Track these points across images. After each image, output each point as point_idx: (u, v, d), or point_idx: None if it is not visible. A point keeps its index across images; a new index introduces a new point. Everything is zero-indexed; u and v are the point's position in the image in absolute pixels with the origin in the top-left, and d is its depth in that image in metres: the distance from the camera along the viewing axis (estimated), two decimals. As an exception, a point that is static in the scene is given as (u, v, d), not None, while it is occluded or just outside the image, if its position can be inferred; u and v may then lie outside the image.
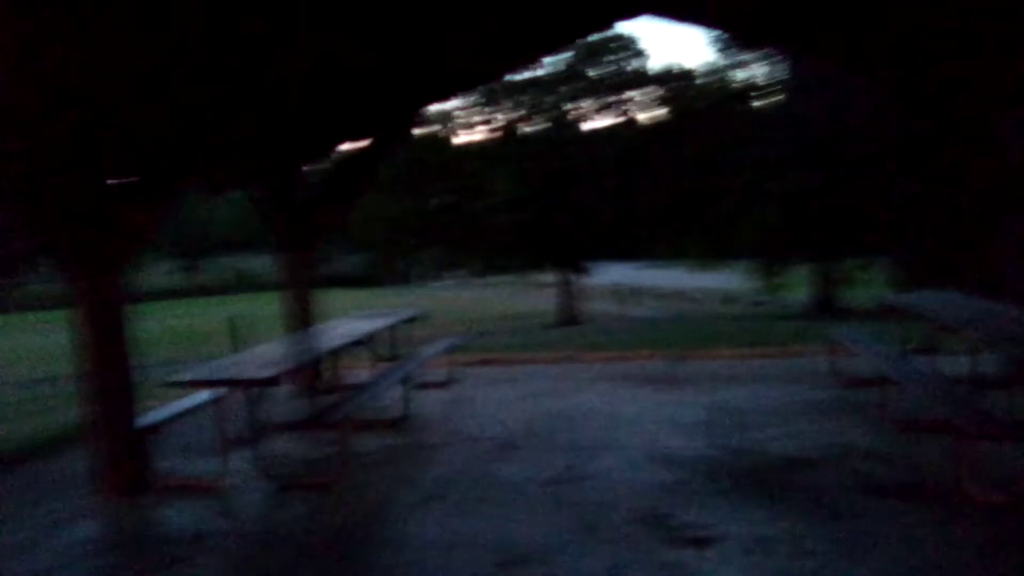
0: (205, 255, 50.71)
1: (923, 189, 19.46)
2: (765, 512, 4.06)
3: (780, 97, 23.36)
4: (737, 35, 18.44)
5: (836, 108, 19.23)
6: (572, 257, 25.09)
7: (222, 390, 5.06)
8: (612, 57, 24.36)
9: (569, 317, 24.10)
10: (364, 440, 5.71)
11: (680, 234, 25.45)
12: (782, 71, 22.49)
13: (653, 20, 7.05)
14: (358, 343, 6.18)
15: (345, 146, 8.14)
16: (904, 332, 6.65)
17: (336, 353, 6.00)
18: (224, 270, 48.38)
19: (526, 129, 25.21)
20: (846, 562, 3.46)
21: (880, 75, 6.85)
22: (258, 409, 4.86)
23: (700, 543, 3.73)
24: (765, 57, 22.50)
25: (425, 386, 7.16)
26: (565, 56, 23.66)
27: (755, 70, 23.83)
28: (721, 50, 23.92)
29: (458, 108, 24.93)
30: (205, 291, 42.45)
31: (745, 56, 23.17)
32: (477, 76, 9.09)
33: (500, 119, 25.16)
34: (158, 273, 45.62)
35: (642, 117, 25.47)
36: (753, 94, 24.24)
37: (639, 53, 24.60)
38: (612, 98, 24.91)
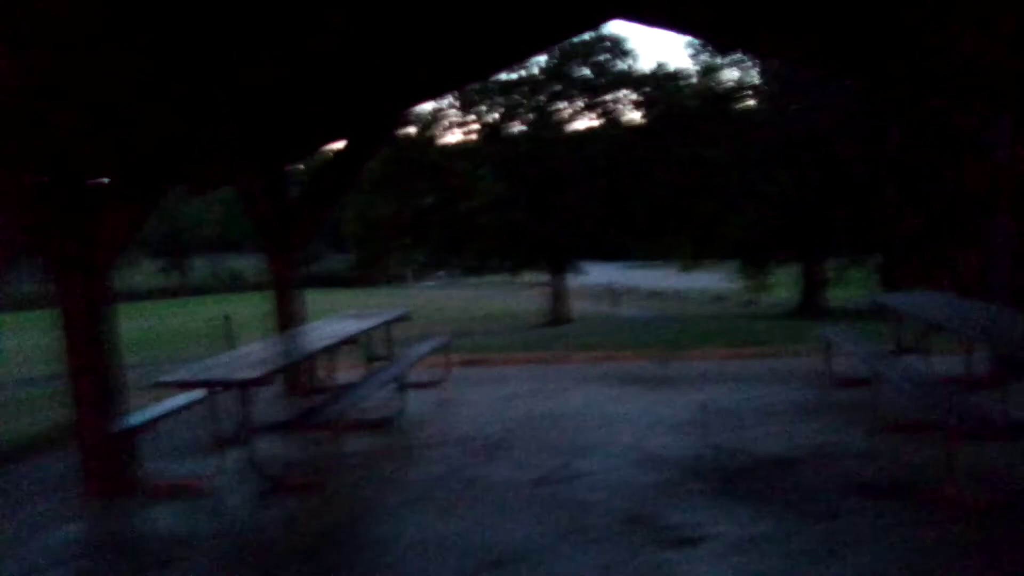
0: (191, 255, 50.42)
1: (908, 190, 19.61)
2: (752, 512, 4.07)
3: (767, 98, 23.49)
4: (709, 40, 18.51)
5: (820, 109, 19.36)
6: (560, 257, 25.11)
7: (209, 391, 5.03)
8: (598, 58, 24.40)
9: (557, 317, 24.11)
10: (352, 441, 5.69)
11: (667, 234, 25.53)
12: (768, 72, 22.60)
13: (625, 23, 7.08)
14: (346, 343, 6.16)
15: (330, 145, 8.12)
16: (891, 332, 6.68)
17: (324, 353, 5.98)
18: (210, 270, 48.12)
19: (512, 129, 25.21)
20: (833, 561, 3.47)
21: (857, 78, 6.89)
22: (245, 410, 4.83)
23: (688, 543, 3.73)
24: (751, 58, 22.60)
25: (413, 386, 7.13)
26: (551, 56, 23.68)
27: (742, 71, 23.94)
28: (694, 55, 24.08)
29: (444, 108, 24.90)
30: (191, 291, 42.20)
31: (733, 57, 23.26)
32: (462, 76, 9.09)
33: (486, 119, 25.15)
34: (144, 273, 45.32)
35: (628, 118, 25.53)
36: (740, 95, 24.35)
37: (627, 53, 24.64)
38: (598, 99, 24.95)
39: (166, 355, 12.78)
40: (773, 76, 22.21)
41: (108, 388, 4.85)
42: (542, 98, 24.58)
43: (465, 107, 24.81)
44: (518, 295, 35.21)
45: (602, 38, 24.00)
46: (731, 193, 22.94)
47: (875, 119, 17.53)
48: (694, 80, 24.49)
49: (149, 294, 38.69)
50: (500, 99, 24.49)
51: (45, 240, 4.75)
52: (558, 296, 25.02)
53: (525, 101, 24.61)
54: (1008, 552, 3.51)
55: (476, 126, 25.41)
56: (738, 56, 22.90)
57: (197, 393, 5.33)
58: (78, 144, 4.68)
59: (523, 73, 23.87)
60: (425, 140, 25.18)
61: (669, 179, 23.34)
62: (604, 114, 25.30)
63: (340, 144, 7.68)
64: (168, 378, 4.92)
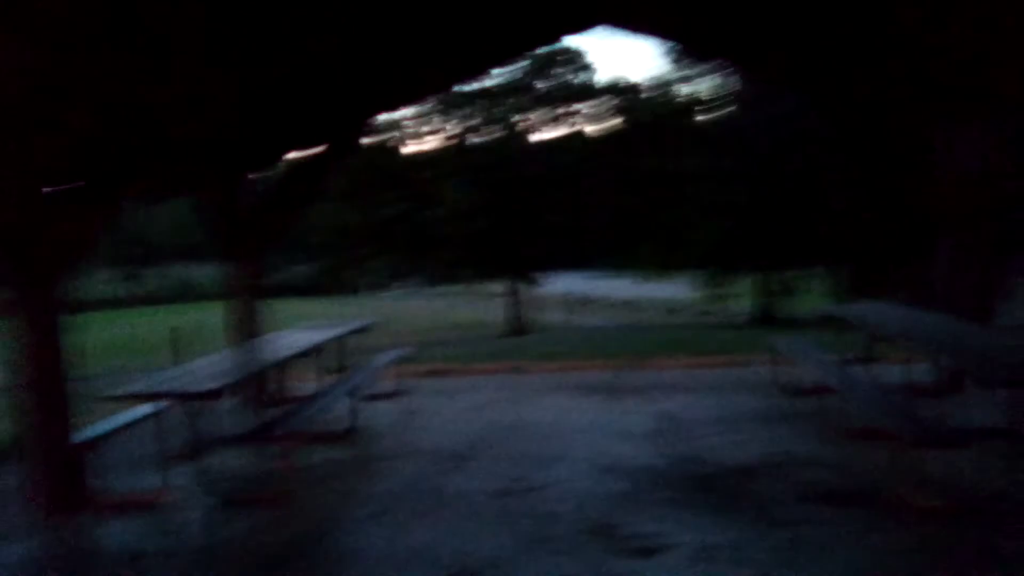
0: (148, 263, 49.46)
1: (861, 204, 20.05)
2: (711, 520, 4.12)
3: (727, 110, 23.86)
4: (689, 48, 18.79)
5: (781, 122, 19.72)
6: (522, 267, 25.18)
7: (164, 403, 4.95)
8: (561, 70, 24.61)
9: (519, 327, 24.15)
10: (311, 453, 5.63)
11: (628, 244, 25.77)
12: (730, 85, 22.97)
13: (608, 32, 7.19)
14: (306, 355, 6.10)
15: (294, 154, 8.04)
16: (843, 342, 6.82)
17: (283, 365, 5.92)
18: (168, 279, 47.23)
19: (476, 139, 25.27)
20: (789, 568, 3.53)
21: (820, 92, 7.05)
22: (201, 423, 4.76)
23: (648, 552, 3.77)
24: (713, 71, 22.95)
25: (374, 398, 7.09)
26: (515, 68, 23.80)
27: (703, 83, 24.31)
28: (674, 61, 24.35)
29: (409, 117, 24.87)
30: (148, 300, 41.37)
31: (693, 70, 23.61)
32: (427, 86, 9.09)
33: (451, 129, 25.17)
34: (99, 282, 44.32)
35: (590, 129, 25.78)
36: (700, 107, 24.72)
37: (586, 67, 24.91)
38: (561, 110, 25.15)
39: (121, 366, 12.52)
40: (738, 89, 22.58)
41: (61, 400, 4.74)
42: (506, 109, 24.70)
43: (431, 116, 24.83)
44: (482, 305, 35.19)
45: (564, 50, 24.22)
46: (693, 204, 23.25)
47: (833, 133, 17.91)
48: (658, 92, 24.82)
49: (102, 304, 37.82)
50: (466, 109, 24.55)
51: (2, 248, 4.64)
52: (521, 306, 25.07)
53: (490, 111, 24.70)
54: (963, 557, 3.61)
55: (442, 136, 25.43)
56: (705, 68, 23.24)
57: (151, 406, 5.23)
58: (35, 151, 4.58)
59: (489, 83, 23.96)
60: (391, 149, 25.12)
61: (631, 190, 23.59)
62: (568, 125, 25.51)
63: (303, 153, 7.62)
64: (118, 391, 4.82)
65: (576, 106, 25.25)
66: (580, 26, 7.02)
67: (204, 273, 43.49)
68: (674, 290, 30.97)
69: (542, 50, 22.76)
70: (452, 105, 24.43)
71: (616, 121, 24.69)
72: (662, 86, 24.72)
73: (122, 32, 4.23)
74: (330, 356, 7.27)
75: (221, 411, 6.31)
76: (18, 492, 4.84)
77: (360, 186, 24.10)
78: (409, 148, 26.09)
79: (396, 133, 25.17)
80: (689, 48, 19.47)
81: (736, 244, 23.29)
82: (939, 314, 6.47)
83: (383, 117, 22.23)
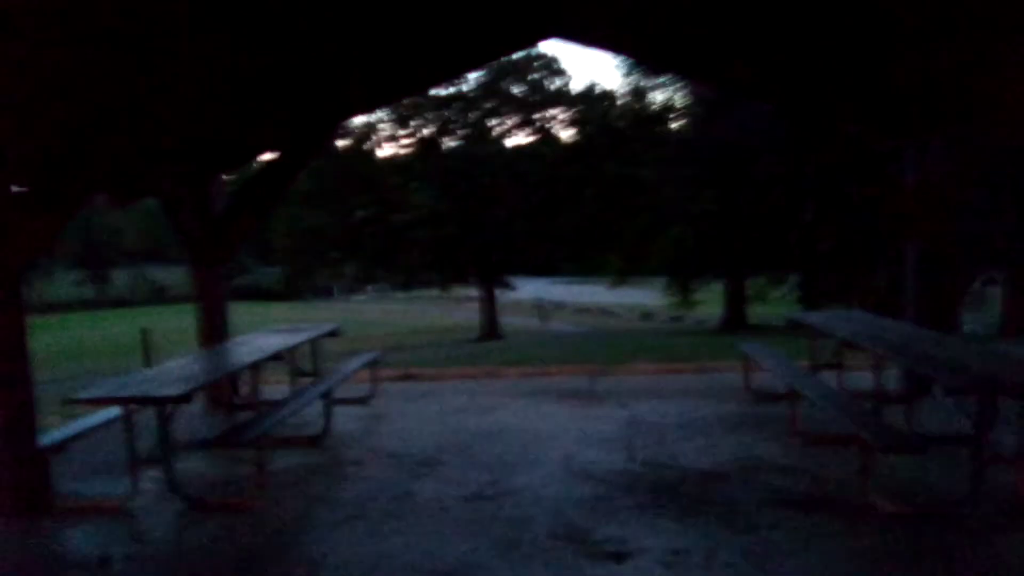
0: (114, 265, 48.68)
1: (825, 212, 20.35)
2: (681, 525, 4.15)
3: (695, 119, 24.12)
4: (642, 61, 18.96)
5: (746, 131, 19.98)
6: (493, 272, 25.20)
7: (130, 407, 4.87)
8: (534, 76, 24.71)
9: (490, 332, 24.15)
10: (281, 458, 5.58)
11: (596, 251, 25.93)
12: (697, 94, 23.22)
13: (561, 43, 7.27)
14: (275, 358, 6.04)
15: (261, 157, 7.99)
16: (811, 348, 6.92)
17: (252, 368, 5.86)
18: (134, 281, 46.50)
19: (448, 144, 25.27)
20: (758, 573, 3.57)
21: (781, 102, 7.16)
22: (169, 427, 4.69)
23: (619, 557, 3.79)
24: (681, 80, 23.19)
25: (345, 402, 7.05)
26: (487, 72, 23.85)
27: (672, 93, 24.54)
28: (627, 75, 24.62)
29: (380, 121, 24.79)
30: (115, 303, 40.70)
31: (663, 79, 23.85)
32: (397, 89, 9.08)
33: (422, 133, 25.13)
34: (65, 284, 43.52)
35: (562, 135, 25.90)
36: (670, 116, 24.96)
37: (560, 72, 25.04)
38: (533, 115, 25.24)
39: (84, 370, 12.31)
40: (700, 99, 22.82)
41: (24, 403, 4.64)
42: (476, 114, 24.73)
43: (400, 121, 24.76)
44: (448, 310, 35.13)
45: (537, 56, 24.32)
46: (659, 212, 23.46)
47: (795, 143, 18.18)
48: (625, 100, 25.02)
49: (67, 306, 37.14)
50: (434, 114, 24.53)
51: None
52: (488, 311, 25.07)
53: (459, 117, 24.71)
54: (925, 560, 3.67)
55: (410, 140, 25.38)
56: (667, 78, 23.48)
57: (115, 410, 5.15)
58: (2, 151, 4.50)
59: (458, 88, 23.97)
60: (358, 153, 25.02)
61: (599, 196, 23.74)
62: (537, 131, 25.61)
63: (271, 155, 7.56)
64: (84, 395, 4.74)
65: (549, 112, 25.36)
66: (530, 39, 7.07)
67: (169, 275, 42.95)
68: (644, 296, 31.19)
69: (517, 55, 22.86)
70: (424, 109, 24.41)
71: (587, 127, 24.84)
72: (634, 94, 24.92)
73: (93, 30, 4.17)
74: (301, 360, 7.21)
75: (186, 416, 6.24)
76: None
77: (331, 189, 23.98)
78: (380, 152, 26.01)
79: (368, 136, 25.08)
80: (641, 62, 19.68)
81: (705, 250, 23.55)
82: (906, 322, 6.59)
83: (354, 120, 22.17)
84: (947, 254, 6.73)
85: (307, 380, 6.94)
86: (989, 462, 4.28)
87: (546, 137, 25.69)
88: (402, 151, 25.80)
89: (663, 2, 5.59)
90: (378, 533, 4.19)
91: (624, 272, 26.74)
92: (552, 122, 25.56)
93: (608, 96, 25.26)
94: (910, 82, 5.86)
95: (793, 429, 5.70)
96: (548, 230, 24.78)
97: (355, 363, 7.31)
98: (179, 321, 12.46)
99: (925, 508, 4.26)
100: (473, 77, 23.74)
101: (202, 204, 7.24)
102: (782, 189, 21.66)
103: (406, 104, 23.63)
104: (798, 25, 5.44)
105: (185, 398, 4.46)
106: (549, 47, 28.98)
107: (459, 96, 24.18)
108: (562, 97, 25.16)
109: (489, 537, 4.07)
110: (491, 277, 25.21)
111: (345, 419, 6.65)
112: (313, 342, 7.01)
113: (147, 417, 5.08)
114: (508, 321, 26.03)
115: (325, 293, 42.73)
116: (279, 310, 29.69)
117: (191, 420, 6.51)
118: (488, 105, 24.69)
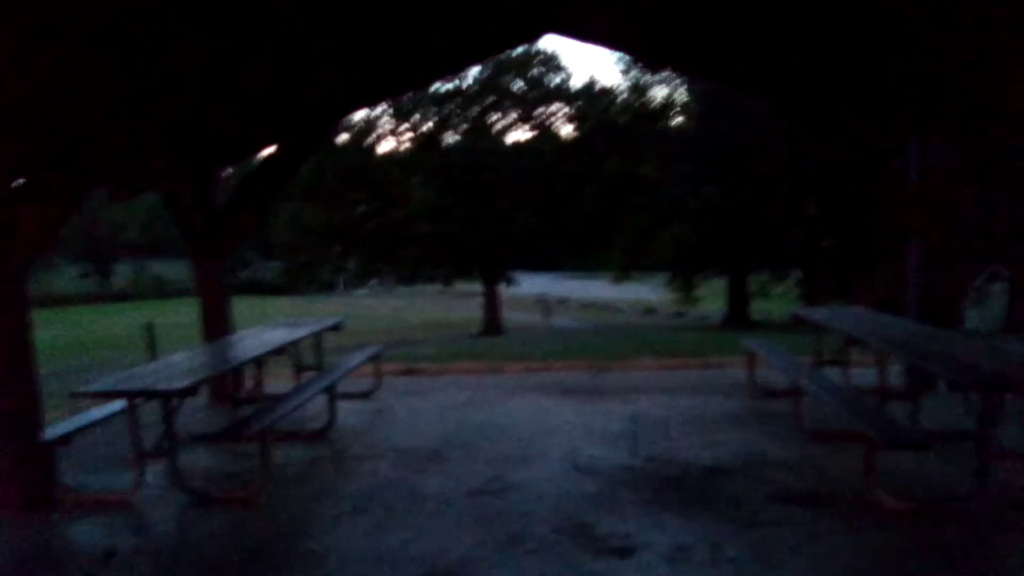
0: (117, 259, 48.69)
1: (827, 209, 20.32)
2: (685, 521, 4.15)
3: (697, 115, 24.07)
4: (639, 57, 18.91)
5: (748, 127, 19.95)
6: (495, 267, 25.18)
7: (135, 400, 4.87)
8: (534, 72, 24.67)
9: (493, 327, 24.15)
10: (285, 452, 5.59)
11: (598, 246, 25.90)
12: (696, 91, 23.17)
13: (557, 38, 7.27)
14: (279, 352, 6.05)
15: (262, 151, 7.97)
16: (815, 345, 6.91)
17: (256, 362, 5.86)
18: (138, 275, 46.49)
19: (449, 139, 25.25)
20: (763, 569, 3.57)
21: (782, 99, 7.14)
22: (174, 420, 4.70)
23: (623, 552, 3.79)
24: (680, 77, 23.14)
25: (348, 396, 7.05)
26: (485, 68, 23.82)
27: (673, 89, 24.49)
28: (624, 71, 24.58)
29: (381, 116, 24.77)
30: (117, 297, 40.70)
31: (663, 75, 23.79)
32: (396, 84, 9.07)
33: (423, 128, 25.11)
34: (68, 277, 43.55)
35: (563, 131, 25.88)
36: (671, 112, 24.91)
37: (560, 68, 25.01)
38: (534, 111, 25.21)
39: (87, 364, 12.32)
40: (701, 95, 22.77)
41: (29, 397, 4.65)
42: (477, 109, 24.70)
43: (400, 116, 24.74)
44: (451, 305, 35.14)
45: (537, 52, 24.28)
46: (660, 208, 23.44)
47: (797, 140, 18.15)
48: (625, 96, 24.98)
49: (69, 300, 37.17)
50: (435, 109, 24.50)
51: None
52: (491, 306, 25.06)
53: (460, 112, 24.68)
54: (929, 556, 3.67)
55: (411, 135, 25.35)
56: (668, 74, 23.43)
57: (120, 404, 5.16)
58: (3, 145, 4.49)
59: (458, 84, 23.93)
60: (359, 147, 24.99)
61: (599, 193, 23.71)
62: (538, 127, 25.57)
63: (271, 150, 7.55)
64: (89, 388, 4.75)
65: (550, 107, 25.33)
66: (528, 35, 7.02)
67: (172, 269, 42.95)
68: (648, 292, 31.17)
69: (517, 51, 22.81)
70: (425, 104, 24.38)
71: (586, 124, 24.80)
72: (635, 90, 24.87)
73: (95, 24, 4.16)
74: (305, 354, 7.22)
75: (190, 410, 6.25)
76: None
77: (327, 183, 23.95)
78: (382, 147, 26.00)
79: (368, 131, 25.06)
80: (638, 58, 19.63)
81: (703, 247, 23.53)
82: (910, 318, 6.59)
83: (351, 115, 22.12)
84: (949, 250, 6.72)
85: (310, 374, 6.95)
86: (994, 458, 4.28)
87: (546, 133, 25.65)
88: (403, 146, 25.80)
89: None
90: (382, 527, 4.20)
91: (626, 268, 26.73)
92: (552, 118, 25.54)
93: (608, 92, 25.21)
94: (911, 80, 5.84)
95: (797, 425, 5.70)
96: (549, 226, 24.77)
97: (358, 357, 7.31)
98: (183, 316, 12.46)
99: (929, 504, 4.26)
100: (472, 73, 23.72)
101: (203, 198, 7.24)
102: (784, 186, 21.65)
103: (407, 99, 23.60)
104: (799, 21, 5.42)
105: (190, 391, 4.47)
106: (549, 43, 28.93)
107: (459, 92, 24.14)
108: (562, 93, 25.12)
109: (493, 532, 4.08)
110: (493, 272, 25.19)
111: (348, 413, 6.66)
112: (316, 336, 7.02)
113: (150, 411, 5.09)
114: (510, 316, 26.03)
115: (328, 288, 42.71)
116: (281, 304, 29.70)
117: (195, 414, 6.52)
118: (488, 100, 24.65)
